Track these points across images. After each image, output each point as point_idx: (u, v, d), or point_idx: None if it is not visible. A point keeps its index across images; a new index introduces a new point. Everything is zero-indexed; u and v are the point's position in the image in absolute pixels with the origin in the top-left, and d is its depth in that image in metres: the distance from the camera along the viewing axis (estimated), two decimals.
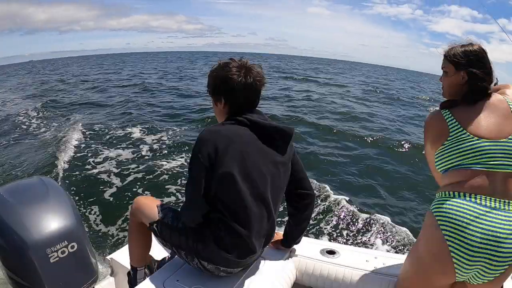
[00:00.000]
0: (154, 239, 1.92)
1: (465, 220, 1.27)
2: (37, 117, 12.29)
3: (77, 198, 5.47)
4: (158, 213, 1.66)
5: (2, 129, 10.61)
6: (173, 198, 5.65)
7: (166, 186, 6.02)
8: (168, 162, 7.19)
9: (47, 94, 18.59)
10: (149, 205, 1.71)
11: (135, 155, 7.68)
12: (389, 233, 4.44)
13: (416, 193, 5.98)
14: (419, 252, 1.43)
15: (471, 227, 1.26)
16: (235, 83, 1.47)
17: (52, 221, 1.57)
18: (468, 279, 1.34)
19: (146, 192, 5.77)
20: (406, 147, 8.87)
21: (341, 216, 4.87)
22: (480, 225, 1.25)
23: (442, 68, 1.52)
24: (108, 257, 2.21)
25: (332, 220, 4.82)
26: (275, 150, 1.52)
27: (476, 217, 1.26)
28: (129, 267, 1.90)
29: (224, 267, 1.50)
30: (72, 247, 1.59)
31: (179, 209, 1.64)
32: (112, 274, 2.19)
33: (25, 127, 10.90)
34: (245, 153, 1.44)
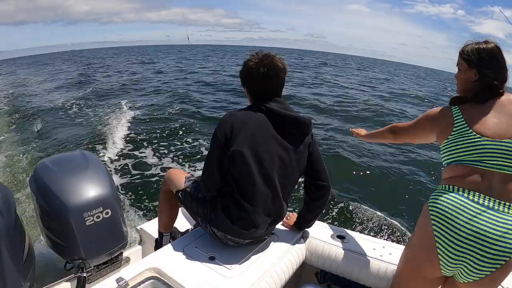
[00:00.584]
0: (180, 215, 2.12)
1: (454, 213, 1.29)
2: (81, 101, 13.01)
3: (115, 173, 5.95)
4: (184, 183, 1.87)
5: (49, 112, 11.39)
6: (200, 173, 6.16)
7: (199, 162, 6.54)
8: (201, 140, 7.88)
9: (89, 80, 19.65)
10: (179, 176, 1.93)
11: (172, 134, 8.29)
12: (395, 225, 4.53)
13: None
14: (412, 241, 1.49)
15: (458, 221, 1.27)
16: (252, 74, 1.67)
17: (90, 189, 1.77)
18: (455, 276, 1.35)
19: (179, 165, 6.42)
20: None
21: (351, 207, 4.99)
22: (469, 221, 1.26)
23: (456, 65, 1.53)
24: (138, 227, 2.43)
25: (343, 208, 4.96)
26: (289, 137, 1.65)
27: (467, 212, 1.27)
28: (156, 237, 2.11)
29: (231, 236, 1.67)
30: (107, 213, 1.79)
31: None
32: (140, 243, 2.40)
33: (69, 109, 11.65)
34: (256, 135, 1.60)
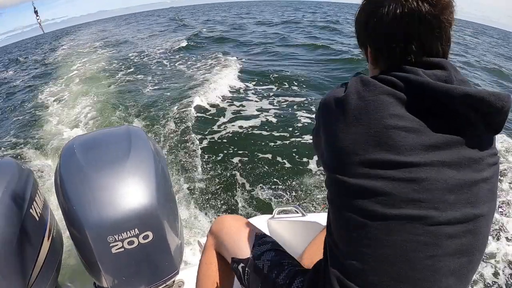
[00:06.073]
0: None
1: None
2: (180, 55, 12.23)
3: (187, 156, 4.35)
4: (252, 248, 1.04)
5: (147, 68, 10.80)
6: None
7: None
8: None
9: (189, 37, 17.38)
10: (240, 229, 1.11)
11: (281, 116, 5.58)
12: None
13: None
14: None
15: None
16: (383, 14, 0.73)
17: (122, 198, 1.12)
18: None
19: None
20: None
21: None
22: None
23: None
24: (201, 240, 1.76)
25: None
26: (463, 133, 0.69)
27: None
28: None
29: None
30: (145, 237, 1.13)
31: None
32: None
33: (167, 65, 10.84)
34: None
